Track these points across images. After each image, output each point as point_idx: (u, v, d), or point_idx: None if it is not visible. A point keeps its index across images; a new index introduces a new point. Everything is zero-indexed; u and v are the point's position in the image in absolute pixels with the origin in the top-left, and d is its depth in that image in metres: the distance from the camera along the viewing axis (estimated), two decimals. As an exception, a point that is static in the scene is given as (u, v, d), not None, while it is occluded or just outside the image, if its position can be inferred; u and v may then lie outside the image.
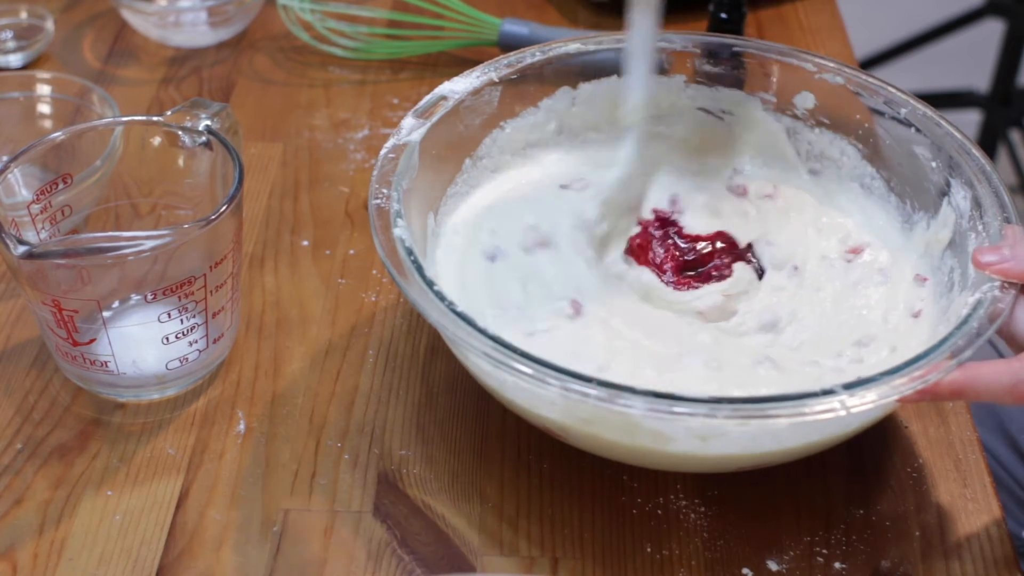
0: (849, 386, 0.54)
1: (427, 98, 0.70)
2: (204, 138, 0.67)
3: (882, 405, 0.54)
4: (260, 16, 0.98)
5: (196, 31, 0.95)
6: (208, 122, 0.67)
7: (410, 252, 0.60)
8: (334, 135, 0.86)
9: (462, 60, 0.94)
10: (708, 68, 0.74)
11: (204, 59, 0.94)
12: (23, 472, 0.63)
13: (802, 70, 0.72)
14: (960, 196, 0.64)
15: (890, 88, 0.70)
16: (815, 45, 0.96)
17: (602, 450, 0.61)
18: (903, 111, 0.69)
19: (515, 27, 0.91)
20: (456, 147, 0.72)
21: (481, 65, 0.72)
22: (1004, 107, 1.87)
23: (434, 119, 0.69)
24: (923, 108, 0.68)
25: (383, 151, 0.66)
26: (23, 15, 0.95)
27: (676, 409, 0.53)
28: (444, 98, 0.70)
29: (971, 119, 1.91)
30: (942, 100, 1.84)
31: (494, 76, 0.72)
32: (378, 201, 0.63)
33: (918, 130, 0.68)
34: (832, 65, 0.72)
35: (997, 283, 0.58)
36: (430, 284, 0.59)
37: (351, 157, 0.84)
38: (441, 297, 0.58)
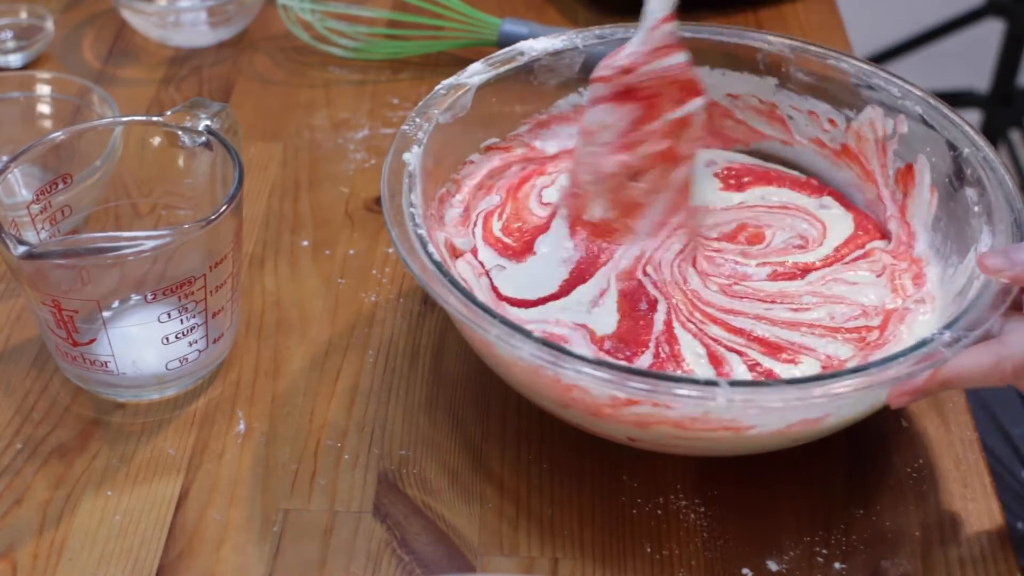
0: (734, 383, 0.54)
1: (503, 50, 0.73)
2: (204, 138, 0.67)
3: (768, 408, 0.55)
4: (260, 16, 0.98)
5: (196, 31, 0.95)
6: (208, 122, 0.67)
7: (410, 176, 0.64)
8: (334, 135, 0.86)
9: (462, 60, 0.93)
10: (801, 77, 0.73)
11: (204, 59, 0.94)
12: (23, 472, 0.63)
13: (888, 92, 0.70)
14: (984, 245, 0.62)
15: (964, 124, 0.67)
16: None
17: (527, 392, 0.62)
18: (966, 151, 0.66)
19: (515, 27, 0.91)
20: (524, 100, 0.74)
21: (570, 31, 0.74)
22: (1004, 107, 1.86)
23: (503, 69, 0.72)
24: (986, 150, 0.66)
25: (437, 87, 0.70)
26: (23, 15, 0.95)
27: (563, 364, 0.55)
28: (521, 53, 0.73)
29: (971, 119, 1.90)
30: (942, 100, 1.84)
31: (579, 43, 0.74)
32: (407, 128, 0.67)
33: (973, 170, 0.65)
34: (917, 94, 0.69)
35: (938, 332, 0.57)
36: (411, 204, 0.62)
37: (351, 157, 0.84)
38: (413, 217, 0.62)
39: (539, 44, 0.73)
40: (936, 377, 0.55)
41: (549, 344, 0.56)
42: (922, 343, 0.56)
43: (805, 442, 0.61)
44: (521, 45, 0.73)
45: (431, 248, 0.60)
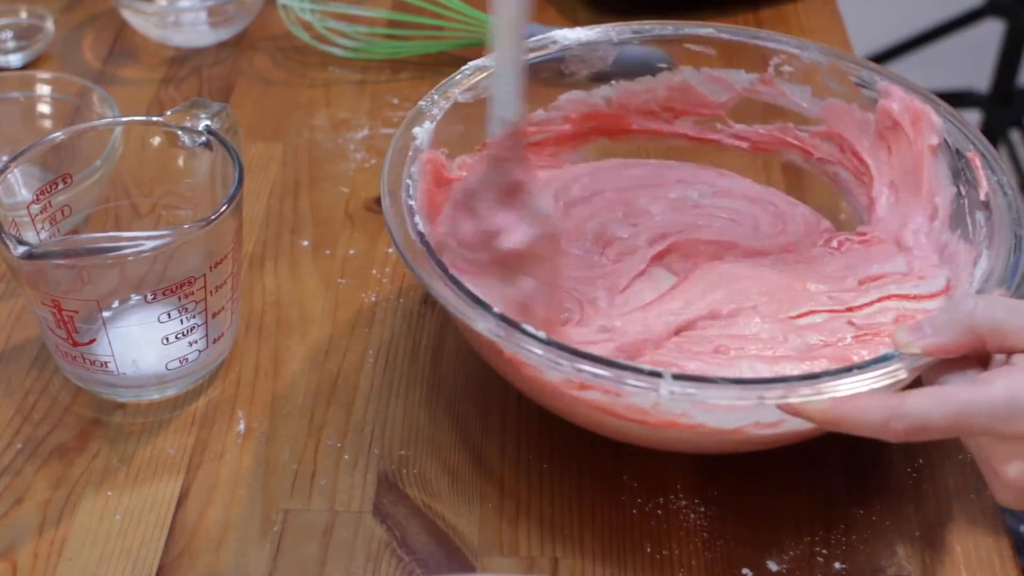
0: (679, 376, 0.54)
1: (537, 37, 0.73)
2: (204, 138, 0.67)
3: (709, 404, 0.54)
4: (260, 16, 0.98)
5: (196, 31, 0.95)
6: (208, 122, 0.67)
7: (418, 150, 0.65)
8: (334, 135, 0.86)
9: (462, 60, 0.93)
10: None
11: (204, 59, 0.94)
12: (23, 472, 0.63)
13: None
14: (980, 269, 0.61)
15: (985, 146, 0.66)
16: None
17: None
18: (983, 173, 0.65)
19: (515, 27, 0.91)
20: (554, 87, 0.74)
21: (604, 25, 0.74)
22: (1004, 107, 1.87)
23: (533, 56, 0.72)
24: (1002, 174, 0.64)
25: (464, 67, 0.70)
26: (23, 15, 0.95)
27: (516, 341, 0.55)
28: (553, 42, 0.73)
29: (971, 119, 1.91)
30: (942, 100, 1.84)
31: (614, 36, 0.74)
32: (423, 103, 0.68)
33: (986, 192, 0.64)
34: (944, 110, 0.68)
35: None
36: (409, 176, 0.63)
37: (351, 157, 0.84)
38: (408, 189, 0.62)
39: (572, 34, 0.73)
40: (824, 413, 0.53)
41: (506, 320, 0.56)
42: (882, 358, 0.55)
43: (772, 447, 0.61)
44: (555, 34, 0.73)
45: (418, 219, 0.61)
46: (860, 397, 0.53)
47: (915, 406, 0.51)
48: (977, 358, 0.54)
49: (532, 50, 0.72)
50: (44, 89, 0.83)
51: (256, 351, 0.70)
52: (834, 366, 0.60)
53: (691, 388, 0.53)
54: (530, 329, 0.56)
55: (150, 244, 0.60)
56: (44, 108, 0.83)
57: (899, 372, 0.54)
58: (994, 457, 0.52)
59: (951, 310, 0.55)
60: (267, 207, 0.80)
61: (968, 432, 0.52)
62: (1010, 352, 0.53)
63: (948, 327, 0.54)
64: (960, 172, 0.66)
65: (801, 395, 0.53)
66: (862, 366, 0.54)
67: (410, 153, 0.65)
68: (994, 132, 1.87)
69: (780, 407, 0.54)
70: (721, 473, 0.63)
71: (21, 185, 0.70)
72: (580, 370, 0.54)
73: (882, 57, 1.98)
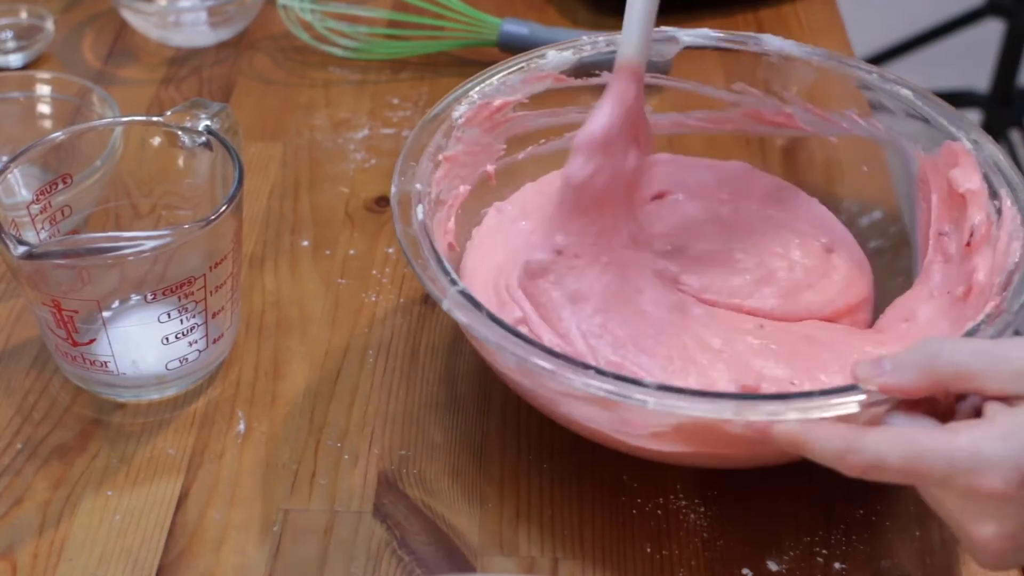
0: (662, 387, 0.53)
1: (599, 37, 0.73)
2: (204, 138, 0.67)
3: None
4: (260, 16, 0.98)
5: (196, 31, 0.95)
6: (208, 122, 0.67)
7: (435, 143, 0.66)
8: (334, 135, 0.86)
9: (462, 60, 0.94)
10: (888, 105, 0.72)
11: (204, 59, 0.94)
12: (23, 472, 0.63)
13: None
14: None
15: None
16: (815, 45, 0.96)
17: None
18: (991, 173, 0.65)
19: (515, 27, 0.91)
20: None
21: (672, 27, 0.73)
22: (1004, 107, 1.87)
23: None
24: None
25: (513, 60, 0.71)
26: (23, 15, 0.95)
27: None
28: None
29: (971, 119, 1.91)
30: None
31: (684, 42, 0.73)
32: (453, 97, 0.68)
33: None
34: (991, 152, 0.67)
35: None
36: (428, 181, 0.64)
37: (351, 157, 0.84)
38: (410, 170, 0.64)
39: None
40: (783, 433, 0.52)
41: (468, 296, 0.57)
42: (839, 389, 0.53)
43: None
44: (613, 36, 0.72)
45: (421, 204, 0.62)
46: (824, 424, 0.52)
47: (873, 443, 0.50)
48: (936, 405, 0.52)
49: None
50: (44, 89, 0.83)
51: (256, 351, 0.70)
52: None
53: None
54: (484, 304, 0.57)
55: (150, 244, 0.60)
56: (44, 108, 0.83)
57: (849, 406, 0.52)
58: (964, 518, 0.50)
59: (916, 351, 0.52)
60: (267, 207, 0.80)
61: (924, 479, 0.50)
62: (976, 393, 0.51)
63: (909, 367, 0.52)
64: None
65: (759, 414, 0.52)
66: (813, 394, 0.53)
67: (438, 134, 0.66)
68: (994, 132, 1.86)
69: (747, 425, 0.53)
70: (721, 473, 0.63)
71: (21, 185, 0.70)
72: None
73: (882, 57, 1.98)
